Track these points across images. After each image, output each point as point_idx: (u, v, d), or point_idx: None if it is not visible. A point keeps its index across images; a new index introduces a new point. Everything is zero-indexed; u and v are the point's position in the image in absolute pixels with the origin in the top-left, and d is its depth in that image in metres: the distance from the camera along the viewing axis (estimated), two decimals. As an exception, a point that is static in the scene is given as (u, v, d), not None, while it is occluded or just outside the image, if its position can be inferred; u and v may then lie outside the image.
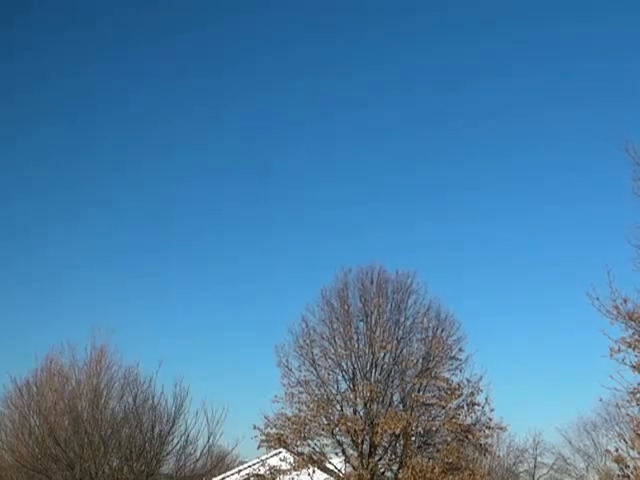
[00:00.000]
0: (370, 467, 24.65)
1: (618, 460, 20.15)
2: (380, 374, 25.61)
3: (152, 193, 72.50)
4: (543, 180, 70.73)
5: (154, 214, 71.99)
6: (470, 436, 25.61)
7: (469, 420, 25.87)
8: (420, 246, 66.41)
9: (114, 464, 29.53)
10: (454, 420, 25.15)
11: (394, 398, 25.93)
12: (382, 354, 25.55)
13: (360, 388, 25.06)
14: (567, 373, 66.79)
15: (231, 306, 68.21)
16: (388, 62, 73.30)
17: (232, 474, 33.41)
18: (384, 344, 25.27)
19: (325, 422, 25.17)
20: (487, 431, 25.88)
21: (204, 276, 69.40)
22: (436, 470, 23.95)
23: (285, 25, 74.98)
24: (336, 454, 26.30)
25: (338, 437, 25.55)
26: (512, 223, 70.49)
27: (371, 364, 25.54)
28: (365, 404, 25.11)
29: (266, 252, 69.83)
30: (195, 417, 29.81)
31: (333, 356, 25.89)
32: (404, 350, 25.96)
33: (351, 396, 25.43)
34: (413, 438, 25.54)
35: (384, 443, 25.32)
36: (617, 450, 22.12)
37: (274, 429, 25.38)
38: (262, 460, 27.52)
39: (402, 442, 25.33)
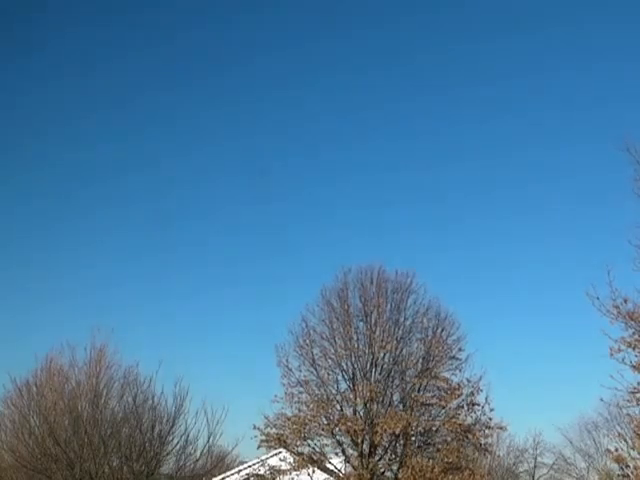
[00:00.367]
0: (370, 467, 24.64)
1: (618, 460, 20.19)
2: (380, 374, 25.61)
3: (152, 194, 72.43)
4: (543, 180, 70.68)
5: (154, 214, 71.96)
6: (470, 436, 25.60)
7: (469, 420, 25.86)
8: (420, 246, 66.40)
9: (114, 464, 29.53)
10: (454, 420, 25.14)
11: (394, 398, 25.94)
12: (382, 354, 25.55)
13: (360, 388, 25.04)
14: (567, 373, 66.76)
15: (231, 306, 68.21)
16: (389, 62, 73.25)
17: (232, 474, 33.40)
18: (384, 344, 25.26)
19: (325, 422, 25.17)
20: (487, 431, 25.88)
21: (204, 276, 69.35)
22: (436, 470, 23.94)
23: (285, 25, 74.98)
24: (336, 454, 26.29)
25: (338, 437, 25.55)
26: (512, 223, 70.37)
27: (371, 364, 25.53)
28: (365, 404, 25.10)
29: (266, 252, 69.85)
30: (195, 417, 29.85)
31: (333, 356, 25.90)
32: (404, 350, 25.96)
33: (351, 396, 25.42)
34: (413, 438, 25.54)
35: (384, 443, 25.31)
36: (617, 450, 22.17)
37: (274, 429, 25.38)
38: (262, 460, 27.53)
39: (402, 442, 25.32)
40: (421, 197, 72.09)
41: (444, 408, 25.52)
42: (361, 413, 25.29)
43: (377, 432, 24.30)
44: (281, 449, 26.60)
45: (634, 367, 18.14)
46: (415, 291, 26.72)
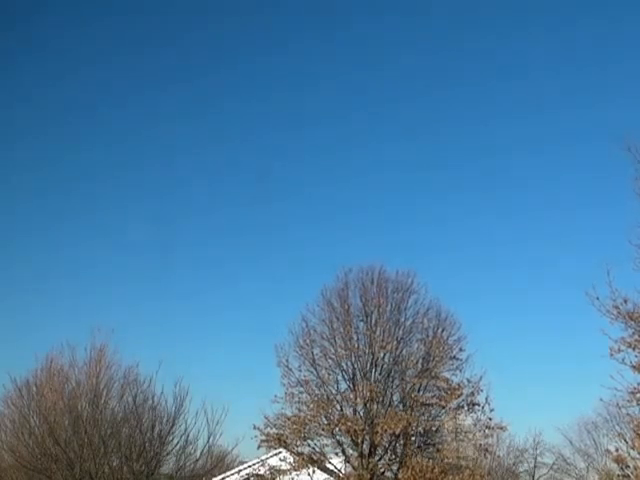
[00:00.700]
0: (370, 467, 24.65)
1: (618, 460, 20.21)
2: (380, 374, 25.61)
3: (152, 194, 72.37)
4: (543, 180, 70.64)
5: (154, 214, 71.89)
6: (470, 436, 25.60)
7: (469, 420, 25.89)
8: (420, 246, 66.38)
9: (114, 464, 29.53)
10: (454, 420, 25.14)
11: (394, 398, 25.95)
12: (382, 354, 25.55)
13: (360, 388, 25.05)
14: (567, 373, 66.73)
15: (231, 306, 68.10)
16: (388, 63, 73.22)
17: (232, 474, 33.39)
18: (384, 344, 25.26)
19: (325, 422, 25.17)
20: (487, 431, 25.87)
21: (204, 276, 69.33)
22: (436, 470, 23.94)
23: (285, 25, 74.92)
24: (336, 454, 26.29)
25: (338, 437, 25.55)
26: (512, 223, 70.35)
27: (371, 364, 25.54)
28: (365, 404, 25.11)
29: (266, 252, 69.81)
30: (195, 417, 29.85)
31: (333, 356, 25.90)
32: (404, 350, 25.98)
33: (351, 396, 25.42)
34: (413, 438, 25.54)
35: (384, 443, 25.32)
36: (617, 450, 22.18)
37: (274, 429, 25.38)
38: (262, 460, 27.53)
39: (402, 442, 25.33)
40: (421, 197, 72.09)
41: (444, 408, 25.53)
42: (361, 413, 25.29)
43: (377, 432, 24.30)
44: (281, 449, 26.59)
45: (634, 367, 18.16)
46: (416, 291, 26.77)
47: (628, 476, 19.84)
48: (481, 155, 70.62)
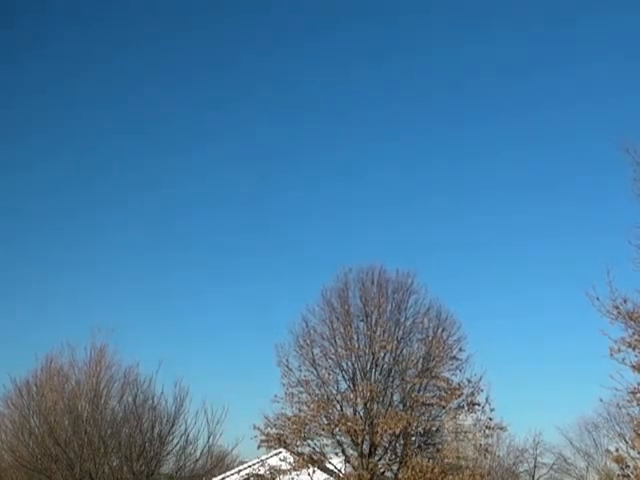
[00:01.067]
0: (370, 467, 24.63)
1: (618, 460, 20.21)
2: (380, 374, 25.60)
3: (152, 193, 72.34)
4: (543, 179, 70.65)
5: (154, 214, 71.92)
6: (470, 436, 25.59)
7: (469, 420, 25.88)
8: (420, 246, 66.37)
9: (114, 464, 29.57)
10: (454, 420, 25.14)
11: (394, 398, 25.93)
12: (382, 354, 25.54)
13: (360, 388, 25.03)
14: (567, 373, 66.75)
15: (231, 306, 68.09)
16: (388, 61, 73.21)
17: (232, 474, 33.37)
18: (384, 344, 25.25)
19: (325, 422, 25.16)
20: (487, 431, 25.86)
21: (204, 276, 69.25)
22: (436, 470, 23.92)
23: (285, 25, 74.95)
24: (336, 454, 26.28)
25: (338, 437, 25.53)
26: (512, 223, 70.37)
27: (371, 364, 25.52)
28: (365, 404, 25.10)
29: (266, 252, 69.78)
30: (195, 417, 29.92)
31: (333, 356, 25.89)
32: (404, 350, 25.96)
33: (351, 396, 25.41)
34: (413, 438, 25.53)
35: (384, 443, 25.30)
36: (617, 450, 22.19)
37: (274, 429, 25.37)
38: (262, 460, 27.53)
39: (402, 442, 25.32)
40: (421, 197, 72.08)
41: (444, 408, 25.52)
42: (361, 413, 25.28)
43: (377, 432, 24.29)
44: (281, 449, 26.59)
45: (634, 367, 18.16)
46: (416, 291, 26.74)
47: (628, 476, 19.82)
48: (481, 154, 70.71)
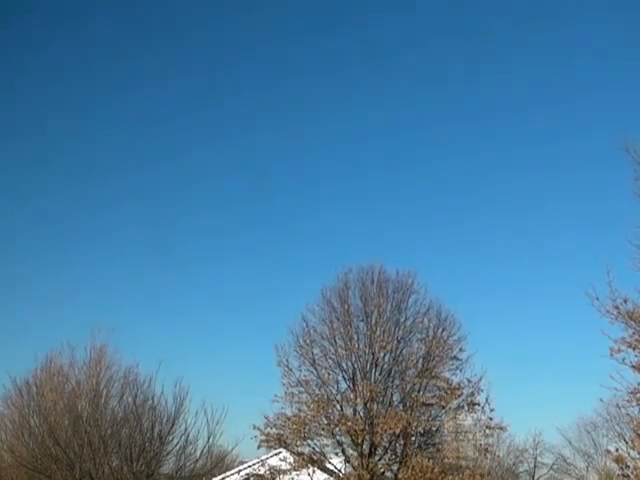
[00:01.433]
0: (370, 467, 24.63)
1: (618, 460, 20.16)
2: (380, 374, 25.60)
3: (152, 193, 72.44)
4: (543, 179, 70.65)
5: (154, 214, 71.97)
6: (470, 436, 25.58)
7: (469, 420, 25.87)
8: (420, 246, 66.44)
9: (114, 464, 29.58)
10: (454, 420, 25.13)
11: (394, 398, 25.92)
12: (382, 354, 25.53)
13: (360, 388, 25.03)
14: (567, 373, 66.77)
15: (231, 306, 68.12)
16: (388, 61, 73.27)
17: (232, 474, 33.37)
18: (384, 344, 25.25)
19: (325, 422, 25.15)
20: (487, 431, 25.86)
21: (204, 276, 69.29)
22: (436, 470, 23.92)
23: (285, 25, 74.97)
24: (336, 454, 26.27)
25: (338, 437, 25.52)
26: (512, 222, 70.41)
27: (371, 364, 25.51)
28: (365, 404, 25.09)
29: (266, 252, 69.84)
30: (195, 417, 29.95)
31: (333, 356, 25.89)
32: (404, 350, 25.95)
33: (351, 396, 25.40)
34: (413, 438, 25.51)
35: (384, 443, 25.29)
36: (617, 450, 22.15)
37: (274, 429, 25.35)
38: (262, 460, 27.51)
39: (402, 442, 25.30)
40: (421, 196, 72.12)
41: (444, 408, 25.52)
42: (361, 413, 25.27)
43: (377, 432, 24.29)
44: (281, 449, 26.59)
45: (634, 367, 18.15)
46: (416, 291, 26.72)
47: (628, 476, 19.79)
48: (481, 154, 70.74)
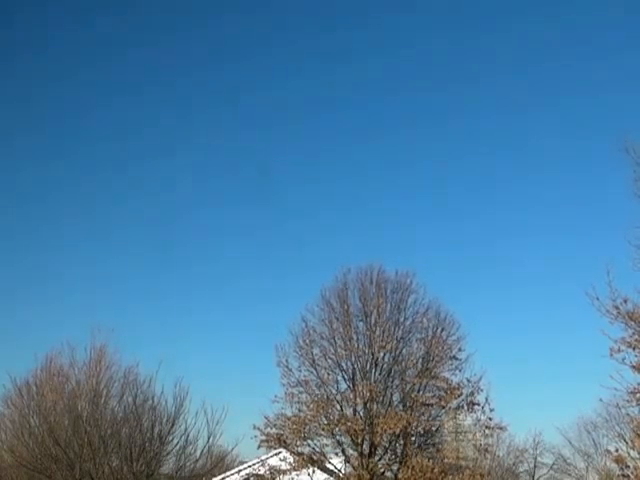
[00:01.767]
0: (370, 467, 24.63)
1: (618, 460, 20.18)
2: (380, 374, 25.60)
3: (152, 193, 72.45)
4: (543, 179, 70.67)
5: (154, 214, 72.01)
6: (470, 436, 25.58)
7: (469, 420, 25.88)
8: (420, 245, 66.46)
9: (114, 464, 29.57)
10: (454, 420, 25.13)
11: (394, 398, 25.92)
12: (382, 354, 25.54)
13: (360, 388, 25.03)
14: (567, 373, 66.81)
15: (231, 306, 68.18)
16: (388, 60, 73.23)
17: (232, 474, 33.39)
18: (384, 344, 25.25)
19: (325, 422, 25.15)
20: (487, 431, 25.86)
21: (204, 276, 69.31)
22: (436, 470, 23.93)
23: (285, 24, 75.04)
24: (336, 454, 26.27)
25: (338, 437, 25.53)
26: (512, 222, 70.44)
27: (371, 364, 25.52)
28: (365, 404, 25.10)
29: (266, 252, 69.90)
30: (195, 417, 29.92)
31: (333, 356, 25.89)
32: (404, 350, 25.96)
33: (351, 396, 25.41)
34: (413, 438, 25.52)
35: (384, 443, 25.30)
36: (617, 450, 22.17)
37: (274, 429, 25.37)
38: (262, 460, 27.52)
39: (402, 442, 25.31)
40: (421, 196, 72.15)
41: (444, 408, 25.53)
42: (361, 413, 25.28)
43: (377, 432, 24.29)
44: (281, 449, 26.60)
45: (634, 367, 18.16)
46: (415, 291, 26.72)
47: (628, 476, 19.80)
48: (481, 153, 70.76)
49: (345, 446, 25.62)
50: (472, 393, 25.71)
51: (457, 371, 25.99)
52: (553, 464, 52.87)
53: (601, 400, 20.58)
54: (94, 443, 28.68)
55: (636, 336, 18.18)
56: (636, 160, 18.93)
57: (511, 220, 70.00)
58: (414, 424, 24.89)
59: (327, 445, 25.75)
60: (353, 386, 25.47)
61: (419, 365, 25.71)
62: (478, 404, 25.71)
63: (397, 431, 24.27)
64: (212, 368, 64.38)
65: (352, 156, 73.80)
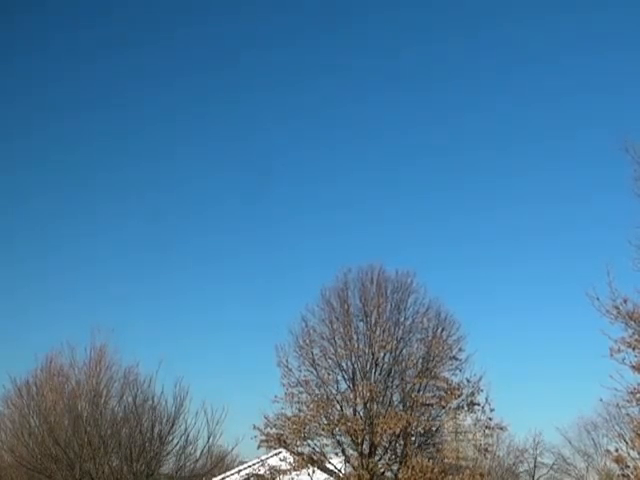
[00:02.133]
0: (370, 467, 24.63)
1: (618, 460, 20.17)
2: (380, 374, 25.60)
3: (152, 192, 72.39)
4: (543, 178, 70.57)
5: (154, 213, 71.97)
6: (470, 436, 25.58)
7: (469, 420, 25.88)
8: (420, 245, 66.43)
9: (114, 464, 29.56)
10: (454, 420, 25.13)
11: (394, 398, 25.92)
12: (382, 354, 25.54)
13: (360, 388, 25.03)
14: (567, 373, 66.77)
15: (231, 306, 68.11)
16: (387, 59, 73.16)
17: (232, 474, 33.41)
18: (384, 344, 25.25)
19: (325, 422, 25.15)
20: (487, 431, 25.86)
21: (204, 276, 69.32)
22: (436, 470, 23.93)
23: (285, 24, 74.96)
24: (336, 454, 26.27)
25: (338, 437, 25.53)
26: (512, 221, 70.39)
27: (371, 364, 25.52)
28: (365, 404, 25.10)
29: (266, 251, 69.83)
30: (195, 417, 29.91)
31: (333, 356, 25.89)
32: (404, 350, 25.95)
33: (351, 396, 25.40)
34: (413, 438, 25.52)
35: (384, 443, 25.30)
36: (617, 450, 22.14)
37: (274, 429, 25.37)
38: (262, 460, 27.52)
39: (402, 442, 25.31)
40: (421, 195, 72.13)
41: (444, 408, 25.52)
42: (361, 413, 25.28)
43: (377, 432, 24.29)
44: (281, 449, 26.60)
45: (634, 367, 18.16)
46: (415, 291, 26.74)
47: (628, 476, 19.79)
48: (481, 152, 70.71)
49: (345, 446, 25.63)
50: (472, 393, 25.73)
51: (457, 371, 26.04)
52: (553, 464, 52.88)
53: (601, 400, 20.62)
54: (94, 443, 28.68)
55: (636, 336, 18.19)
56: (636, 159, 18.97)
57: (511, 219, 69.96)
58: (414, 424, 24.89)
59: (327, 445, 25.77)
60: (353, 386, 25.47)
61: (419, 365, 25.71)
62: (478, 404, 25.74)
63: (397, 431, 24.27)
64: (212, 368, 64.45)
65: (352, 155, 73.80)
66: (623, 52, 66.91)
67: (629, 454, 21.87)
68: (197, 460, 31.31)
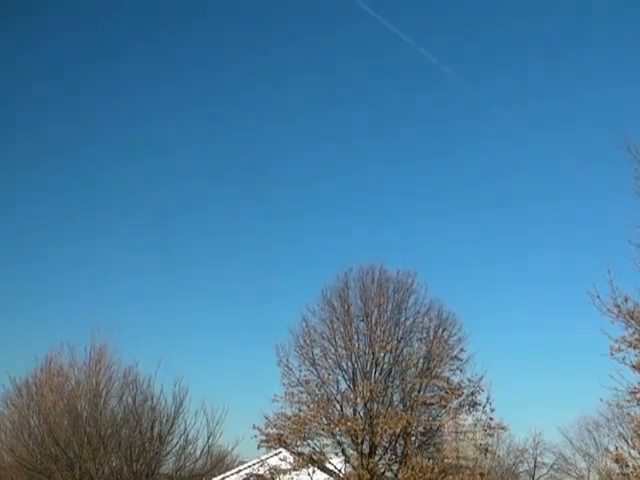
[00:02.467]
0: (370, 467, 24.61)
1: (618, 460, 20.13)
2: (380, 374, 25.57)
3: (152, 192, 72.30)
4: (544, 178, 70.60)
5: (154, 213, 71.96)
6: (470, 436, 25.55)
7: (470, 420, 25.84)
8: (421, 245, 66.43)
9: (114, 464, 29.56)
10: (454, 420, 25.10)
11: (394, 398, 25.89)
12: (382, 354, 25.50)
13: (360, 388, 25.00)
14: (568, 372, 66.69)
15: (231, 306, 68.11)
16: (387, 59, 73.16)
17: (232, 474, 33.37)
18: (384, 344, 25.22)
19: (325, 422, 25.13)
20: (487, 431, 25.83)
21: (204, 275, 69.28)
22: (436, 470, 23.90)
23: (285, 24, 74.88)
24: (336, 454, 26.24)
25: (338, 437, 25.50)
26: (512, 221, 70.42)
27: (371, 364, 25.49)
28: (365, 404, 25.07)
29: (266, 251, 69.77)
30: (195, 417, 29.94)
31: (333, 356, 25.86)
32: (404, 350, 25.92)
33: (351, 396, 25.38)
34: (413, 438, 25.50)
35: (384, 443, 25.27)
36: (617, 449, 22.11)
37: (274, 429, 25.35)
38: (262, 460, 27.50)
39: (402, 442, 25.28)
40: (421, 195, 72.14)
41: (444, 408, 25.49)
42: (361, 413, 25.26)
43: (377, 432, 24.27)
44: (281, 449, 26.58)
45: (634, 367, 18.13)
46: (416, 291, 26.70)
47: (627, 475, 19.76)
48: (481, 152, 70.76)
49: (345, 446, 25.61)
50: (473, 393, 25.69)
51: (458, 371, 26.00)
52: (553, 464, 52.82)
53: (601, 400, 20.56)
54: (94, 443, 28.67)
55: (636, 335, 18.17)
56: (637, 158, 18.98)
57: (512, 219, 69.95)
58: (414, 424, 24.87)
59: (327, 445, 25.75)
60: (353, 386, 25.45)
61: (420, 365, 25.68)
62: (479, 404, 25.70)
63: (397, 431, 24.24)
64: (212, 368, 64.39)
65: (352, 155, 73.79)
66: (624, 50, 66.93)
67: (629, 454, 21.83)
68: (197, 460, 31.33)
